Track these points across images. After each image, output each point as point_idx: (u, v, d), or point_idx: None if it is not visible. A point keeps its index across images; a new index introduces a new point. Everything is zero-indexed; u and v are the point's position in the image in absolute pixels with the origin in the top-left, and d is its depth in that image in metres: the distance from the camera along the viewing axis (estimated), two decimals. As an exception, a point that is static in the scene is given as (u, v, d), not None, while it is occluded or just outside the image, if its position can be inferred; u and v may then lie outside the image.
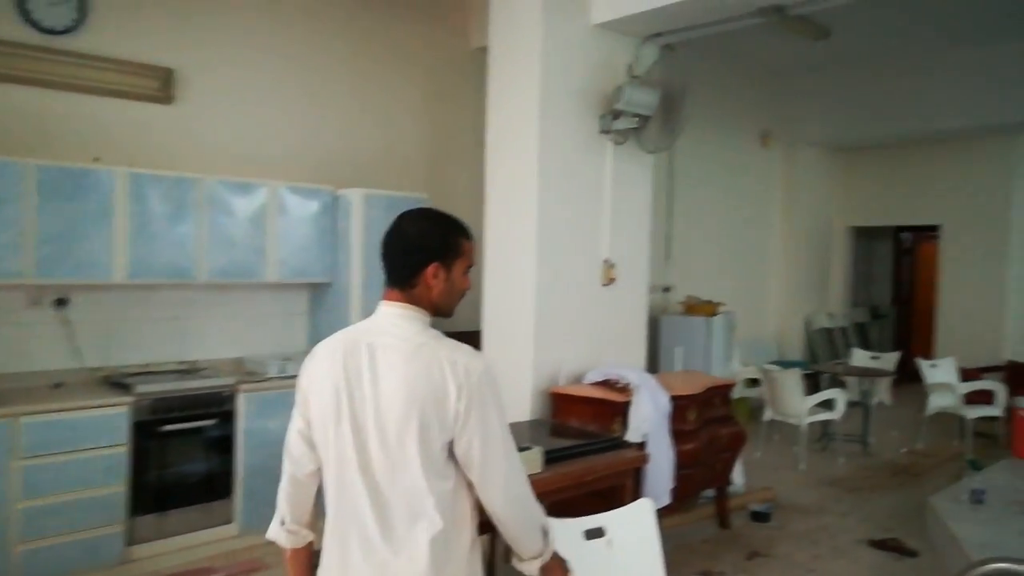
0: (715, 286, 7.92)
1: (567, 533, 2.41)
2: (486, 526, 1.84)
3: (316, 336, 4.65)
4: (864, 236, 10.68)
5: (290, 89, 5.24)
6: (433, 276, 1.69)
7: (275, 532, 1.85)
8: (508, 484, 1.69)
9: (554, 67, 4.59)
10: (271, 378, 4.55)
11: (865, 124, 8.80)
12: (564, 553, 1.93)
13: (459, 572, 1.68)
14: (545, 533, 1.79)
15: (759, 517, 5.03)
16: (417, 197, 5.16)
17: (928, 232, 10.53)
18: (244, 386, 4.38)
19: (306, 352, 1.89)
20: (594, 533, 2.51)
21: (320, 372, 1.72)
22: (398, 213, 1.79)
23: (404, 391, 1.61)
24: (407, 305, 1.71)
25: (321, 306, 5.20)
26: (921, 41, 7.74)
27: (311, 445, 1.75)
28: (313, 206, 4.91)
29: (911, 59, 8.17)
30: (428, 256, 1.69)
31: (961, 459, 6.48)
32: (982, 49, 7.69)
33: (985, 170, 9.04)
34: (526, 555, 1.77)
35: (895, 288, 11.41)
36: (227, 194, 4.51)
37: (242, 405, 4.35)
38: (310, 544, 1.86)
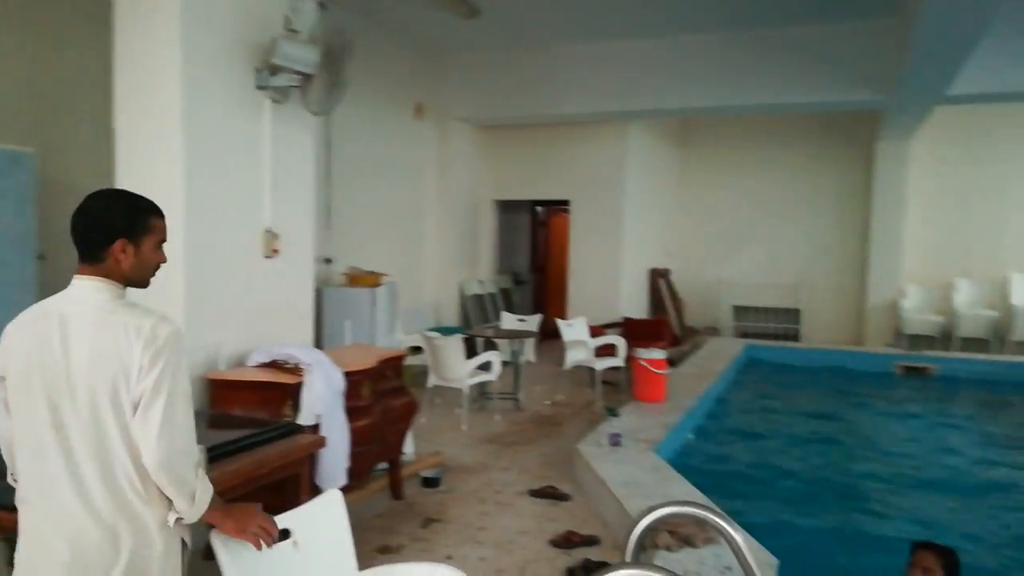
0: (376, 256, 7.88)
1: (245, 544, 2.11)
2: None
3: None
4: (506, 209, 11.54)
5: None
6: (121, 251, 1.82)
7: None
8: (160, 442, 1.75)
9: (198, 8, 4.02)
10: None
11: (506, 104, 9.44)
12: (245, 565, 1.93)
13: (156, 536, 1.81)
14: (192, 498, 1.84)
15: (430, 483, 5.11)
16: (17, 151, 4.18)
17: (559, 206, 11.76)
18: None
19: None
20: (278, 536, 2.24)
21: (13, 343, 1.81)
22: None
23: (94, 358, 1.74)
24: (97, 278, 1.82)
25: None
26: (557, 31, 8.49)
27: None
28: None
29: (549, 47, 8.94)
30: (114, 233, 1.81)
31: (593, 406, 7.37)
32: (604, 43, 8.70)
33: (605, 152, 10.33)
34: (176, 507, 1.85)
35: (533, 256, 12.57)
36: None
37: None
38: None
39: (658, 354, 6.74)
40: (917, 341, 10.62)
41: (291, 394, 3.89)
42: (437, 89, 9.42)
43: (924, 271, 11.16)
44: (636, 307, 10.90)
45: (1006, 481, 5.59)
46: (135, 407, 1.75)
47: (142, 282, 1.91)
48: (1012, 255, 10.78)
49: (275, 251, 4.56)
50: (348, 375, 4.16)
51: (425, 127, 9.38)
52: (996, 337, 10.41)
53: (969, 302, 10.68)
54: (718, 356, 9.30)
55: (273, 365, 4.09)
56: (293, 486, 3.14)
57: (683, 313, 11.69)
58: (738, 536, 2.19)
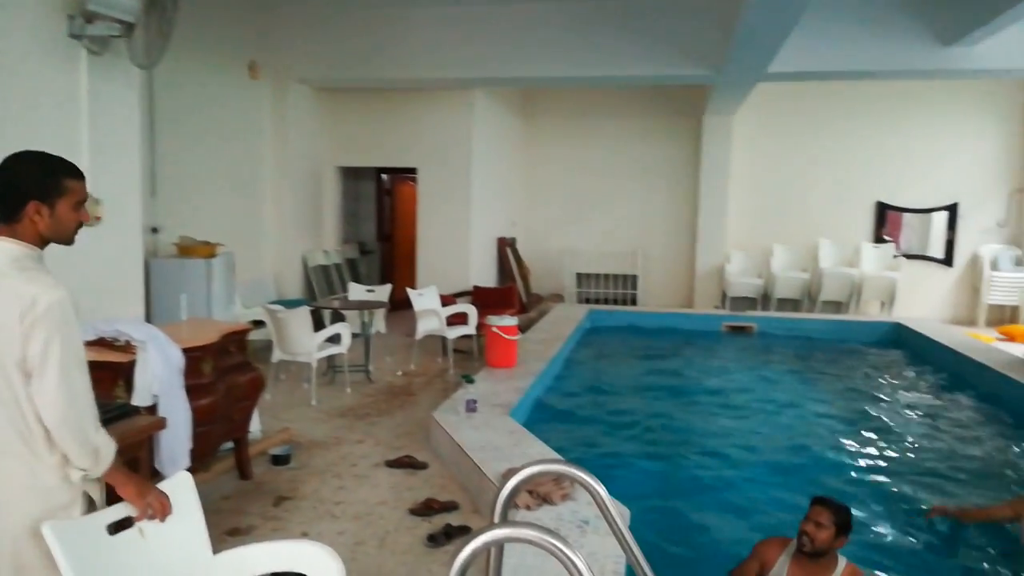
0: (209, 226, 7.39)
1: (86, 534, 1.93)
2: None
3: None
4: (350, 176, 11.20)
5: None
6: (35, 213, 1.88)
7: None
8: (58, 404, 1.84)
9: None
10: None
11: (347, 66, 9.09)
12: (88, 557, 1.89)
13: (49, 496, 1.90)
14: (96, 454, 1.93)
15: (280, 460, 4.91)
16: None
17: (406, 174, 11.56)
18: None
19: None
20: (120, 525, 2.06)
21: None
22: None
23: None
24: (11, 239, 1.88)
25: None
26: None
27: None
28: None
29: (392, 8, 8.68)
30: (27, 195, 1.87)
31: (447, 375, 7.38)
32: (450, 7, 8.56)
33: (451, 119, 10.24)
34: (77, 466, 1.93)
35: (379, 225, 12.31)
36: None
37: None
38: None
39: (509, 321, 6.85)
40: (740, 303, 11.51)
41: (123, 374, 3.57)
42: (273, 47, 8.90)
43: (746, 238, 12.08)
44: (485, 276, 10.99)
45: (816, 423, 6.22)
46: (26, 373, 1.84)
47: (63, 241, 1.99)
48: (820, 222, 11.89)
49: (97, 218, 4.15)
50: (187, 351, 3.88)
51: (261, 88, 8.85)
52: (807, 297, 11.48)
53: (784, 266, 11.69)
54: (564, 322, 9.60)
55: (101, 343, 3.73)
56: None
57: (529, 281, 11.94)
58: (601, 489, 2.27)
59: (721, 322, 10.40)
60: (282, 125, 9.24)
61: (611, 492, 2.31)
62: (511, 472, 2.27)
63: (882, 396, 7.14)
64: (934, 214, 11.80)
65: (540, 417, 6.00)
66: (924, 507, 4.43)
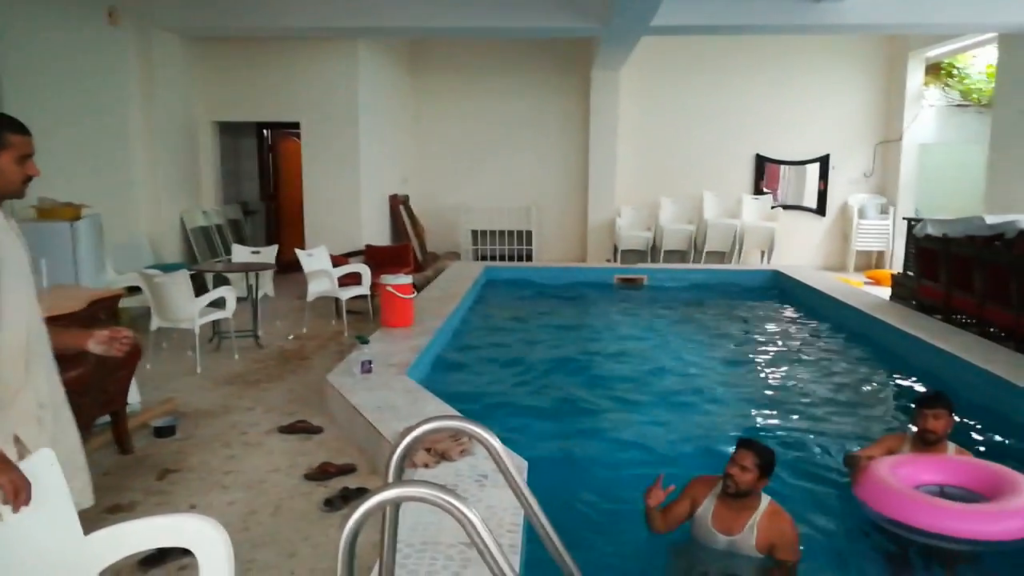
0: (72, 186, 6.82)
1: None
2: None
3: None
4: (229, 132, 10.61)
5: None
6: None
7: None
8: None
9: None
10: None
11: (219, 13, 8.51)
12: None
13: None
14: None
15: (163, 432, 4.66)
16: None
17: (289, 129, 11.06)
18: None
19: None
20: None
21: None
22: None
23: None
24: None
25: None
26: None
27: None
28: None
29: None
30: None
31: (340, 337, 7.20)
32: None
33: (335, 72, 9.84)
34: None
35: (262, 184, 11.77)
36: None
37: None
38: None
39: (404, 280, 6.72)
40: (631, 255, 11.80)
41: (-26, 348, 3.24)
42: (136, -8, 8.21)
43: (636, 192, 12.34)
44: (378, 234, 10.75)
45: (704, 367, 6.48)
46: None
47: (10, 194, 2.10)
48: (704, 175, 12.29)
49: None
50: (50, 321, 3.56)
51: (122, 35, 8.17)
52: (693, 248, 11.90)
53: (671, 218, 12.05)
54: (460, 279, 9.54)
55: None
56: (-12, 455, 2.64)
57: (424, 239, 11.79)
58: (496, 443, 2.25)
59: (613, 275, 10.63)
60: (148, 77, 8.60)
61: (509, 445, 2.30)
62: (407, 431, 2.22)
63: (763, 339, 7.52)
64: (808, 166, 12.41)
65: (438, 375, 5.96)
66: (808, 438, 4.70)
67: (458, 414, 4.13)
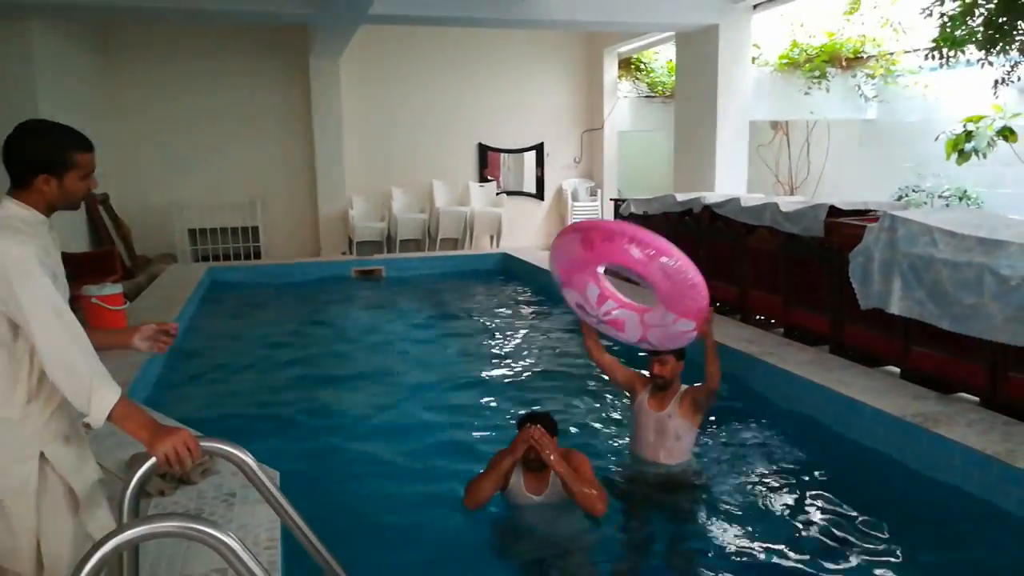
0: None
1: None
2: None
3: None
4: None
5: None
6: (44, 184, 2.04)
7: None
8: (50, 350, 1.91)
9: None
10: None
11: None
12: None
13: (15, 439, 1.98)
14: (88, 401, 1.92)
15: None
16: None
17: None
18: None
19: None
20: None
21: None
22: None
23: None
24: (18, 202, 2.06)
25: None
26: None
27: None
28: None
29: None
30: (36, 169, 2.03)
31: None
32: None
33: (3, 54, 8.41)
34: (79, 410, 1.97)
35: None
36: None
37: None
38: None
39: (112, 289, 6.02)
40: (366, 247, 11.68)
41: None
42: None
43: (366, 182, 12.20)
44: (74, 239, 9.44)
45: (447, 351, 6.65)
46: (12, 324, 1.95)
47: (70, 207, 2.15)
48: (432, 164, 12.52)
49: None
50: None
51: None
52: (427, 236, 12.10)
53: (403, 208, 12.12)
54: (179, 283, 8.75)
55: None
56: None
57: (131, 241, 10.60)
58: (245, 456, 2.11)
59: (350, 268, 10.45)
60: None
61: (258, 458, 2.16)
62: (137, 459, 1.98)
63: (498, 319, 7.90)
64: (525, 154, 13.22)
65: (165, 392, 5.43)
66: (553, 397, 5.03)
67: (196, 432, 3.78)
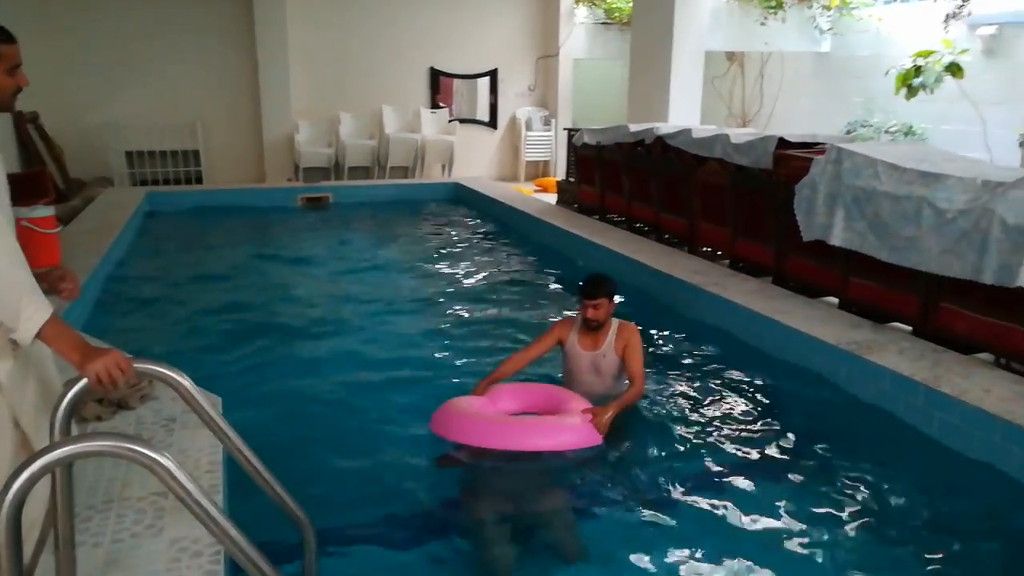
0: None
1: None
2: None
3: None
4: None
5: None
6: None
7: None
8: None
9: None
10: None
11: None
12: None
13: None
14: (17, 317, 1.83)
15: None
16: None
17: None
18: None
19: None
20: None
21: None
22: None
23: None
24: None
25: None
26: None
27: None
28: None
29: None
30: None
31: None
32: None
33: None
34: (7, 325, 1.86)
35: None
36: None
37: None
38: None
39: (44, 212, 5.70)
40: (313, 173, 11.37)
41: None
42: None
43: (313, 106, 11.78)
44: (3, 160, 8.96)
45: (395, 280, 6.60)
46: None
47: (2, 108, 2.09)
48: (382, 89, 12.13)
49: None
50: None
51: None
52: (376, 163, 11.83)
53: (352, 133, 11.78)
54: (116, 208, 8.42)
55: None
56: None
57: (65, 163, 10.12)
58: (184, 380, 2.06)
59: (296, 195, 10.19)
60: None
61: (201, 384, 2.12)
62: (71, 382, 1.92)
63: (448, 248, 7.84)
64: (479, 80, 12.91)
65: (103, 319, 5.27)
66: (499, 331, 5.04)
67: (131, 356, 3.69)
